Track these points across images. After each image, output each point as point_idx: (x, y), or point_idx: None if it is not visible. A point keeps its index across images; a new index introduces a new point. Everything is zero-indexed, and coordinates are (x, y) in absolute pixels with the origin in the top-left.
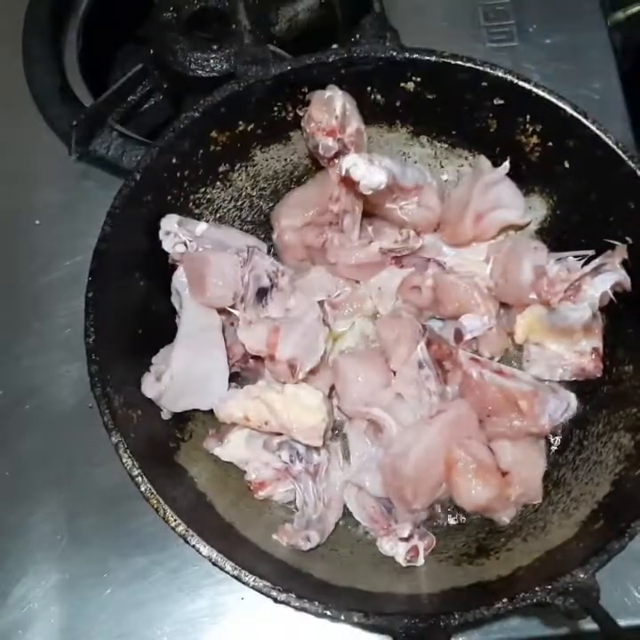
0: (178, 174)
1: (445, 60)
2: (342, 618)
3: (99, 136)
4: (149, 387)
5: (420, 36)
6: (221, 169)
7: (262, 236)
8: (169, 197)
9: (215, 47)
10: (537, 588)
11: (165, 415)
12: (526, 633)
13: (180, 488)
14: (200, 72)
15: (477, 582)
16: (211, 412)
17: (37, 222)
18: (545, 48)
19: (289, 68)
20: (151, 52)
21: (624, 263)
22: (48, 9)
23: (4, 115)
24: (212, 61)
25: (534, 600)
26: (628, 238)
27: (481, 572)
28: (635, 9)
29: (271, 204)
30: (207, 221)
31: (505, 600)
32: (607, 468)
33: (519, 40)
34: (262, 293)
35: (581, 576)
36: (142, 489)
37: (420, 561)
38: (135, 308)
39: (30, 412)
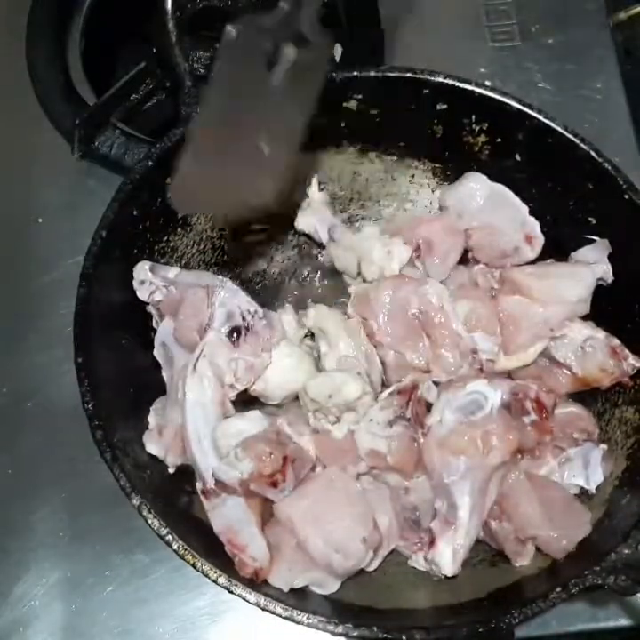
0: (140, 226)
1: (384, 74)
2: (404, 638)
3: (101, 134)
4: (154, 444)
5: (421, 36)
6: (180, 215)
7: (228, 276)
8: (135, 251)
9: (217, 46)
10: (586, 572)
11: (171, 469)
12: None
13: (205, 539)
14: (202, 71)
15: (520, 579)
16: None
17: (40, 220)
18: (547, 48)
19: None
20: (154, 50)
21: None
22: (51, 8)
23: (8, 113)
24: (214, 60)
25: (587, 584)
26: (591, 219)
27: (520, 568)
28: (636, 9)
29: (233, 243)
30: None
31: (559, 589)
32: (617, 444)
33: (521, 40)
34: (236, 332)
35: (626, 551)
36: (175, 547)
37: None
38: (123, 367)
39: (32, 410)
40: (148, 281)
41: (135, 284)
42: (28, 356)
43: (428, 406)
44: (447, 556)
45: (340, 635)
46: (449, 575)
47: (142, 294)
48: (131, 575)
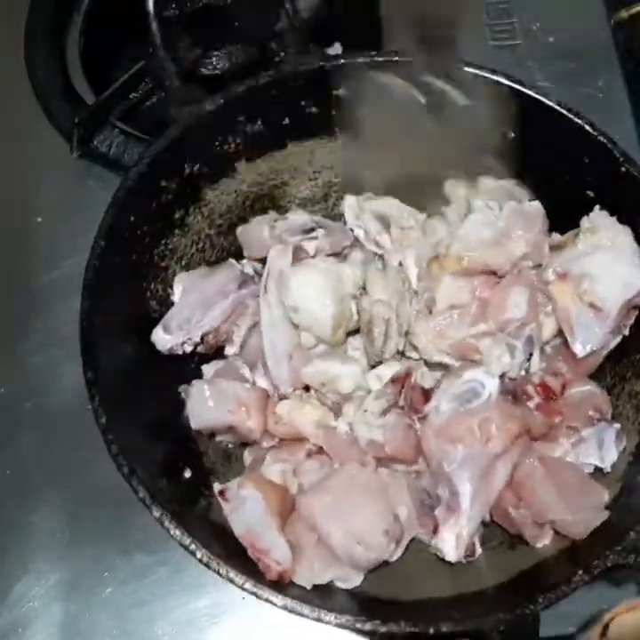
0: (138, 231)
1: (372, 59)
2: (431, 631)
3: (100, 133)
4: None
5: None
6: (177, 216)
7: None
8: (135, 256)
9: (217, 45)
10: (607, 552)
11: (187, 473)
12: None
13: (225, 544)
14: (202, 70)
15: (541, 561)
16: (230, 466)
17: (39, 220)
18: (548, 46)
19: (222, 100)
20: (152, 49)
21: None
22: (50, 7)
23: (7, 112)
24: (213, 59)
25: (608, 565)
26: (589, 193)
27: (541, 550)
28: (638, 8)
29: (231, 239)
30: (174, 272)
31: (581, 572)
32: (628, 419)
33: (522, 38)
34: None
35: None
36: (199, 556)
37: (478, 551)
38: (131, 376)
39: (31, 410)
40: (173, 343)
41: (164, 350)
42: (27, 355)
43: (425, 392)
44: (450, 543)
45: (367, 632)
46: (453, 561)
47: (184, 349)
48: (130, 576)
